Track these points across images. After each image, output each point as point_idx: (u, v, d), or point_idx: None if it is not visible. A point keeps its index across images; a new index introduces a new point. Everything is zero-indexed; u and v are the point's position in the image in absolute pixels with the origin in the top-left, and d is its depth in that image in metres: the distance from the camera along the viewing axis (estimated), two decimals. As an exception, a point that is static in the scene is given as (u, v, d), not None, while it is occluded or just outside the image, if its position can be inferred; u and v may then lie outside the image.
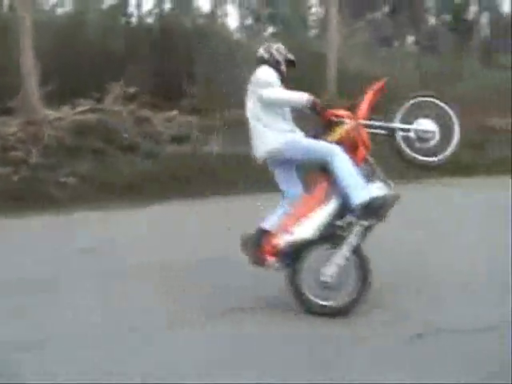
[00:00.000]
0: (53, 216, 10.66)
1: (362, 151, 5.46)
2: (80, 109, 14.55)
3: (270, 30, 26.45)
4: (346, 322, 5.23)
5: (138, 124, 14.63)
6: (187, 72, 17.08)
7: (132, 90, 15.33)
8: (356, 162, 5.40)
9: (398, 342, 4.81)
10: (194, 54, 17.61)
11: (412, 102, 5.64)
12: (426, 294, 6.01)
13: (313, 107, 5.42)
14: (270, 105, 5.55)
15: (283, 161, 5.64)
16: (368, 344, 4.79)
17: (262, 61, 5.84)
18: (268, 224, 5.58)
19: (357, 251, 5.35)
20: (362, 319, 5.28)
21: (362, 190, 5.25)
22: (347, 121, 5.50)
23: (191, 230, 9.32)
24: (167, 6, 29.36)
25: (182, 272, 6.91)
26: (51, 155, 13.04)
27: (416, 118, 5.56)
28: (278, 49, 5.94)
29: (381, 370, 4.29)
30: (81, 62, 16.75)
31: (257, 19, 23.17)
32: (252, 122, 5.66)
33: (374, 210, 5.27)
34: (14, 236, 9.21)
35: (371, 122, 5.54)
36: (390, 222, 5.52)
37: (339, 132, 5.48)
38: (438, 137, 5.52)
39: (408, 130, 5.52)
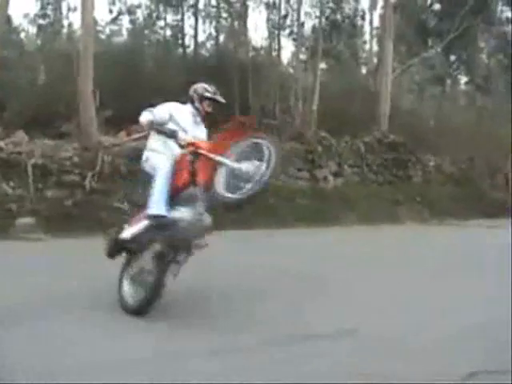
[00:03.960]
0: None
1: (185, 176, 5.59)
2: (135, 136, 14.75)
3: (323, 65, 26.59)
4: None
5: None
6: (241, 104, 17.26)
7: (187, 119, 15.55)
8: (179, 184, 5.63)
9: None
10: (248, 85, 17.80)
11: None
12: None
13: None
14: None
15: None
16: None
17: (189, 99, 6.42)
18: None
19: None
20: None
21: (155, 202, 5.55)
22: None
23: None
24: (222, 37, 29.81)
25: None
26: (106, 180, 13.25)
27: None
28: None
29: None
30: (138, 92, 17.01)
31: (312, 54, 23.29)
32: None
33: (162, 227, 5.55)
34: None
35: (212, 156, 5.47)
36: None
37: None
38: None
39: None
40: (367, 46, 31.40)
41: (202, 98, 6.41)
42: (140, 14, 29.02)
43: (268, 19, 29.67)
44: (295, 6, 24.89)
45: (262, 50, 26.37)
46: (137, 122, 14.93)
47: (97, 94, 14.60)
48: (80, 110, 14.41)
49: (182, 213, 5.53)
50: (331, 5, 27.59)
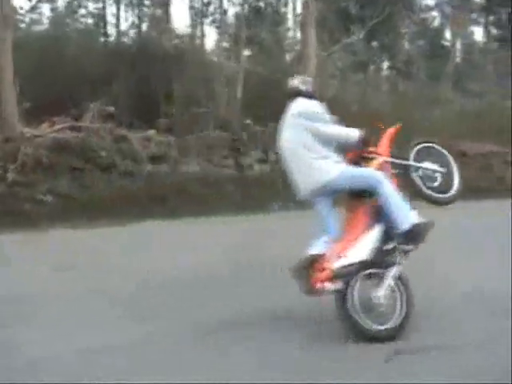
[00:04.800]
0: (28, 233, 10.64)
1: (394, 181, 5.66)
2: (58, 126, 14.56)
3: (247, 52, 26.63)
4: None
5: (115, 143, 14.66)
6: (164, 92, 17.16)
7: (110, 109, 15.41)
8: None
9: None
10: (171, 74, 17.69)
11: (419, 147, 6.07)
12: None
13: (360, 142, 5.69)
14: (323, 137, 5.61)
15: (329, 192, 5.63)
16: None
17: (299, 93, 5.91)
18: (316, 250, 5.44)
19: (400, 276, 5.46)
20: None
21: (408, 215, 5.43)
22: (378, 156, 5.78)
23: (167, 249, 9.39)
24: (144, 25, 29.56)
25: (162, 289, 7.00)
26: (29, 173, 13.03)
27: (422, 160, 5.96)
28: (310, 81, 6.24)
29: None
30: (59, 81, 16.73)
31: (234, 41, 23.33)
32: (297, 154, 5.65)
33: (417, 235, 5.43)
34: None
35: (392, 159, 5.85)
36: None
37: (374, 164, 5.72)
38: (441, 177, 5.97)
39: (419, 169, 5.88)
40: (291, 33, 31.60)
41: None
42: (60, 2, 28.63)
43: (191, 7, 29.63)
44: (218, -6, 24.86)
45: (186, 38, 26.25)
46: (59, 112, 14.68)
47: (17, 84, 14.30)
48: (1, 101, 14.11)
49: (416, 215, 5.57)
50: (254, -8, 27.69)
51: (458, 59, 34.32)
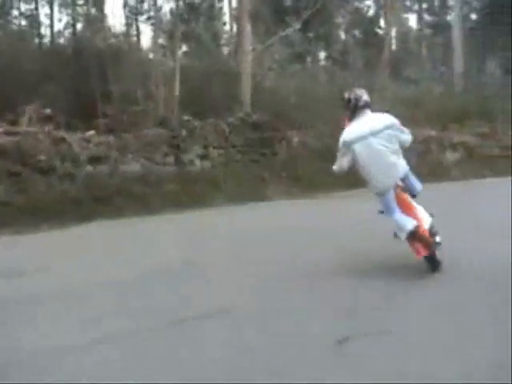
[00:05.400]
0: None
1: None
2: (-4, 131, 14.35)
3: (184, 48, 26.63)
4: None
5: (54, 145, 14.50)
6: (102, 92, 17.03)
7: (47, 111, 15.25)
8: None
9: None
10: (108, 73, 17.57)
11: None
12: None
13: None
14: (403, 144, 7.38)
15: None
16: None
17: (368, 105, 7.39)
18: (411, 224, 7.06)
19: None
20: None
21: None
22: None
23: (111, 251, 9.41)
24: (79, 25, 29.27)
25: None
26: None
27: None
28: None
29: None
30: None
31: (170, 38, 23.29)
32: (384, 157, 7.15)
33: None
34: None
35: None
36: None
37: None
38: None
39: None
40: (227, 27, 31.68)
41: None
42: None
43: (125, 5, 29.46)
44: (151, -10, 24.77)
45: (121, 36, 26.11)
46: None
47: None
48: None
49: None
50: (188, -13, 27.63)
51: (393, 47, 34.84)
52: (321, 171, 15.04)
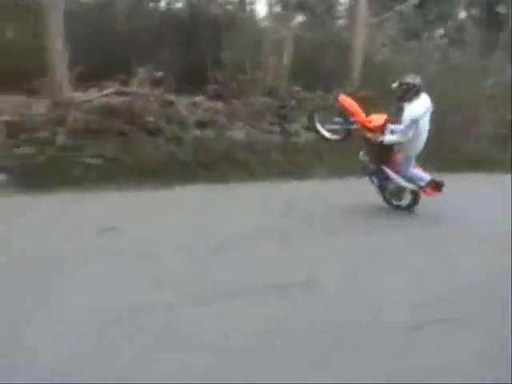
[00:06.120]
0: (76, 194, 10.81)
1: None
2: (106, 91, 14.64)
3: (299, 18, 26.37)
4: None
5: (163, 108, 14.70)
6: (214, 58, 17.10)
7: (159, 74, 15.43)
8: None
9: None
10: (221, 40, 17.62)
11: None
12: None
13: None
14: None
15: None
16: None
17: (422, 89, 9.84)
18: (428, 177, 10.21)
19: None
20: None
21: None
22: None
23: (213, 213, 9.51)
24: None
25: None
26: (77, 137, 13.17)
27: None
28: None
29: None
30: (108, 46, 16.75)
31: (285, 7, 23.09)
32: (425, 131, 9.92)
33: None
34: (36, 213, 9.35)
35: None
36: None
37: None
38: None
39: None
40: (342, 0, 31.20)
41: None
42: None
43: (244, -28, 29.36)
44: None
45: (237, 3, 26.05)
46: (107, 77, 14.75)
47: (67, 49, 14.38)
48: (51, 66, 14.21)
49: None
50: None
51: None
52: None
